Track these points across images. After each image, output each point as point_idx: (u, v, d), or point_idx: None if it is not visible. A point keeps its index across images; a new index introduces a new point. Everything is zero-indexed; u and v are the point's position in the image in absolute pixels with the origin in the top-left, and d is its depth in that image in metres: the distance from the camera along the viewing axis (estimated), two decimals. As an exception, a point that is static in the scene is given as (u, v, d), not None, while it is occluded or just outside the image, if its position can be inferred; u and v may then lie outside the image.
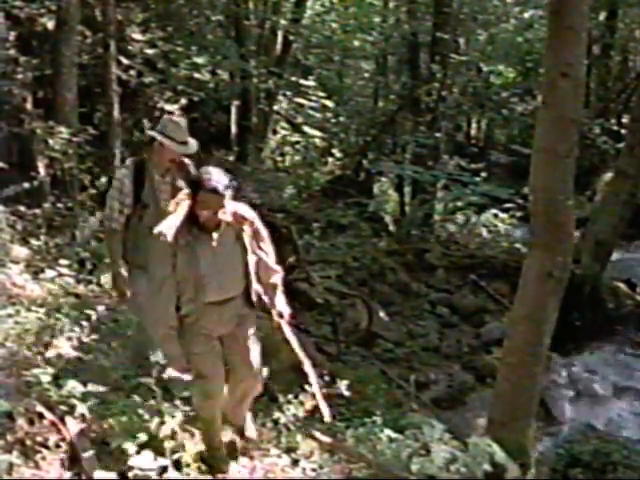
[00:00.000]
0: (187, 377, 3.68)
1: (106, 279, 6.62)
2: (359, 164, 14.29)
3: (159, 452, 3.57)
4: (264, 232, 3.86)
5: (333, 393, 4.74)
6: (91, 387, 3.87)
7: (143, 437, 3.62)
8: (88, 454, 3.51)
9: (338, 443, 4.24)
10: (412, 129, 13.44)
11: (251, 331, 3.82)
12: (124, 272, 4.68)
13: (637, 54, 17.05)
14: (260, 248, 3.84)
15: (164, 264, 3.56)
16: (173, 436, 3.76)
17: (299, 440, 4.11)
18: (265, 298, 3.92)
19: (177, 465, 3.63)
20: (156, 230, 3.60)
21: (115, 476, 3.32)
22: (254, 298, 3.80)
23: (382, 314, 8.50)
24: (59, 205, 7.81)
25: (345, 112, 15.12)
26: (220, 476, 3.71)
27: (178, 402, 4.06)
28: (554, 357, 7.23)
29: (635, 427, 6.32)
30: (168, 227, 3.58)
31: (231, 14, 12.32)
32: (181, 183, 4.53)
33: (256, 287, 3.82)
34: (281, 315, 3.91)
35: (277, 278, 3.92)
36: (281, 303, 3.92)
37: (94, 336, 5.11)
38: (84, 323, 5.19)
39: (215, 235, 3.62)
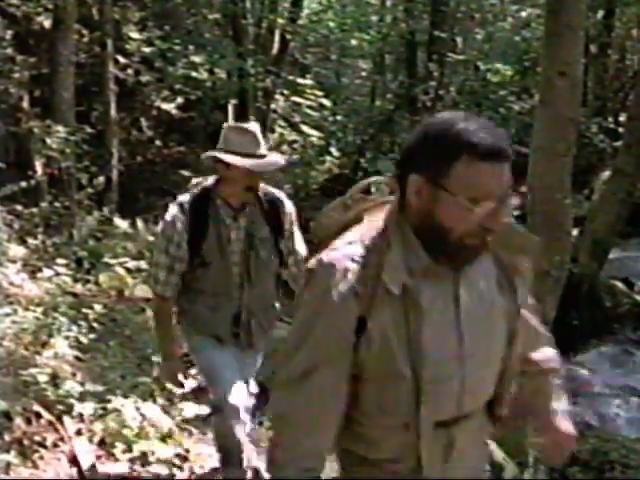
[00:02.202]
0: None
1: (104, 278, 6.62)
2: (357, 163, 14.29)
3: (155, 451, 3.57)
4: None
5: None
6: (89, 387, 3.86)
7: (141, 435, 3.62)
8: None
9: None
10: (410, 128, 13.44)
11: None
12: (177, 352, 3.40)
13: (634, 53, 17.04)
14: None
15: (336, 357, 1.55)
16: (171, 435, 3.76)
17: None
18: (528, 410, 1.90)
19: (174, 464, 3.63)
20: (317, 265, 1.58)
21: (114, 477, 3.32)
22: (503, 410, 1.81)
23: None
24: (56, 204, 7.79)
25: (342, 111, 15.11)
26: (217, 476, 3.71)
27: (176, 401, 4.07)
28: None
29: (633, 426, 6.33)
30: (351, 259, 1.55)
31: (228, 13, 12.30)
32: (263, 231, 3.18)
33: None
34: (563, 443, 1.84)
35: (556, 375, 1.86)
36: (566, 426, 1.83)
37: (92, 335, 5.11)
38: (82, 322, 5.19)
39: (468, 270, 1.61)
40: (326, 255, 1.58)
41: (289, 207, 3.26)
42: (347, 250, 1.57)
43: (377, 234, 1.58)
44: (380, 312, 1.53)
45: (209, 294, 3.18)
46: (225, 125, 3.17)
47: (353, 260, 1.55)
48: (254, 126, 3.12)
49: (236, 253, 3.15)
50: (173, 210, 3.10)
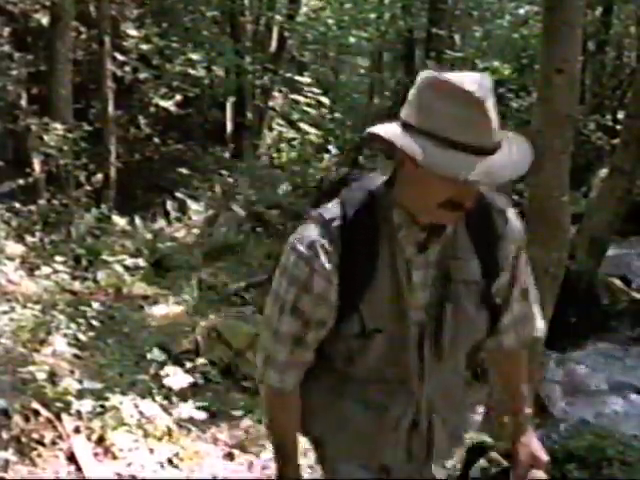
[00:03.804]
0: None
1: (102, 276, 6.62)
2: (355, 160, 14.30)
3: (154, 449, 3.58)
4: None
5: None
6: (87, 384, 3.87)
7: (139, 433, 3.63)
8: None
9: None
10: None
11: None
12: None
13: (632, 50, 17.05)
14: None
15: None
16: (169, 433, 3.77)
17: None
18: None
19: (172, 462, 3.64)
20: None
21: (112, 475, 3.33)
22: None
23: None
24: (54, 202, 7.80)
25: (341, 108, 15.11)
26: (213, 475, 3.72)
27: (175, 399, 4.07)
28: (549, 353, 7.24)
29: (630, 422, 6.34)
30: None
31: (226, 10, 12.29)
32: (471, 269, 1.70)
33: None
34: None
35: None
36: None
37: (90, 333, 5.11)
38: (80, 320, 5.19)
39: None
40: None
41: (516, 227, 1.76)
42: None
43: None
44: None
45: (369, 382, 1.76)
46: (424, 75, 1.52)
47: None
48: (482, 84, 1.49)
49: (419, 309, 1.69)
50: (310, 232, 1.64)
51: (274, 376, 1.73)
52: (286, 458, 1.82)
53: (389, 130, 1.55)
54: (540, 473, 1.84)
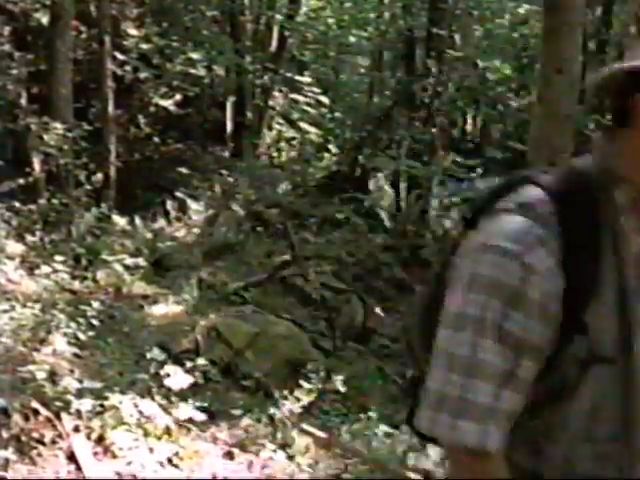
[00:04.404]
0: None
1: (101, 275, 6.63)
2: (355, 160, 14.30)
3: (153, 448, 3.58)
4: None
5: (329, 389, 4.75)
6: (87, 383, 3.87)
7: (139, 433, 3.63)
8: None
9: (334, 438, 4.25)
10: (407, 125, 13.45)
11: None
12: None
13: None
14: None
15: None
16: (169, 432, 3.77)
17: (294, 435, 4.12)
18: None
19: (172, 461, 3.64)
20: None
21: (112, 474, 3.33)
22: None
23: (377, 310, 8.51)
24: (54, 201, 7.80)
25: (341, 108, 15.12)
26: (213, 474, 3.72)
27: (174, 398, 4.08)
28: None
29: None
30: None
31: (226, 9, 12.30)
32: None
33: None
34: None
35: None
36: None
37: (90, 332, 5.11)
38: (80, 319, 5.20)
39: None
40: None
41: None
42: None
43: None
44: None
45: (575, 440, 1.23)
46: None
47: None
48: None
49: None
50: (512, 224, 1.18)
51: (471, 429, 1.14)
52: None
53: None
54: None
